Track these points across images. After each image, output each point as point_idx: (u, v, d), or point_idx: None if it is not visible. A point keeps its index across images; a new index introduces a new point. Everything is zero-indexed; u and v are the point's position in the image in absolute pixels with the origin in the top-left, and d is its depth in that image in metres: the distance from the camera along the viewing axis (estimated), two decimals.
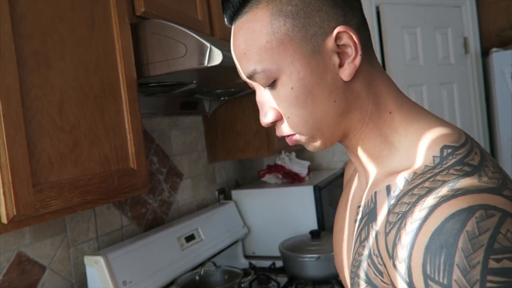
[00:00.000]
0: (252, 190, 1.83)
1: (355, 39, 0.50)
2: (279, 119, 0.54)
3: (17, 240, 0.99)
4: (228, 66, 0.98)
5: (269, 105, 0.54)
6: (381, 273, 0.48)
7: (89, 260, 1.11)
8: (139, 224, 1.37)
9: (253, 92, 1.62)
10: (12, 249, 0.97)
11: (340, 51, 0.50)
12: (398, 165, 0.51)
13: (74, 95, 0.82)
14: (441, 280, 0.38)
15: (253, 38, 0.51)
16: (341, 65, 0.51)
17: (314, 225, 1.68)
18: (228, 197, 1.88)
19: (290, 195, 1.75)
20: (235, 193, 1.83)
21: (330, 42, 0.50)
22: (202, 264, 1.31)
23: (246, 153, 1.72)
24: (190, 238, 1.42)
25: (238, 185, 2.01)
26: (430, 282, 0.39)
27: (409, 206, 0.44)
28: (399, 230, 0.44)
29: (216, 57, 0.93)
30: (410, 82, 2.28)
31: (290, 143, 0.56)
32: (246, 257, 1.78)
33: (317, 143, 0.55)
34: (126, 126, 0.94)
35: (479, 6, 2.49)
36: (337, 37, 0.50)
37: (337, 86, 0.51)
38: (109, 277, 1.08)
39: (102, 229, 1.23)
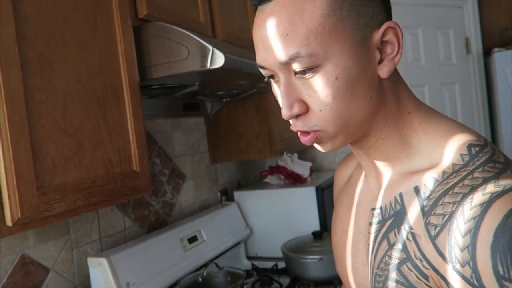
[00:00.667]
0: (255, 191, 1.83)
1: (400, 36, 0.49)
2: (304, 113, 0.50)
3: (21, 242, 0.99)
4: (230, 68, 0.99)
5: (295, 96, 0.49)
6: (426, 277, 0.46)
7: (92, 262, 1.11)
8: (142, 226, 1.38)
9: (254, 94, 1.62)
10: (16, 251, 0.98)
11: (381, 48, 0.50)
12: (419, 165, 0.50)
13: (77, 98, 0.83)
14: None
15: (302, 19, 0.46)
16: (380, 61, 0.50)
17: (316, 226, 1.68)
18: (230, 198, 1.88)
19: (292, 196, 1.75)
20: (237, 194, 1.83)
21: (377, 36, 0.49)
22: (204, 266, 1.31)
23: (248, 154, 1.72)
24: (192, 239, 1.42)
25: (241, 186, 2.01)
26: (505, 283, 0.38)
27: (455, 205, 0.43)
28: (451, 231, 0.42)
29: (218, 60, 0.93)
30: (412, 83, 2.28)
31: (307, 142, 0.51)
32: (249, 258, 1.78)
33: (337, 141, 0.52)
34: (129, 128, 0.94)
35: (481, 6, 2.49)
36: (385, 32, 0.49)
37: (374, 83, 0.50)
38: (113, 278, 1.08)
39: (105, 231, 1.23)
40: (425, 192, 0.48)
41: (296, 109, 0.50)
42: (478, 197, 0.42)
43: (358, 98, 0.49)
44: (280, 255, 1.52)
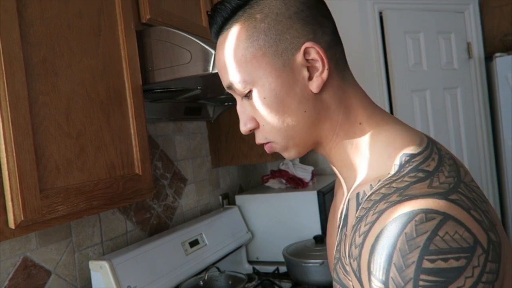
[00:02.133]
0: (256, 195, 1.83)
1: (321, 54, 0.54)
2: (257, 128, 0.59)
3: (23, 245, 0.99)
4: None
5: (247, 115, 0.59)
6: (348, 273, 0.52)
7: (94, 265, 1.12)
8: (143, 229, 1.38)
9: None
10: (18, 254, 0.98)
11: (310, 66, 0.55)
12: (369, 173, 0.53)
13: (81, 102, 0.83)
14: (380, 277, 0.42)
15: (231, 52, 0.56)
16: (310, 78, 0.55)
17: (318, 230, 1.68)
18: (232, 202, 1.88)
19: (293, 200, 1.75)
20: (239, 198, 1.83)
21: (299, 57, 0.54)
22: (206, 269, 1.31)
23: (250, 158, 1.72)
24: (194, 243, 1.42)
25: (242, 190, 2.01)
26: (372, 278, 0.43)
27: (366, 211, 0.48)
28: (355, 232, 0.48)
29: None
30: (414, 87, 2.29)
31: (267, 151, 0.60)
32: (250, 262, 1.78)
33: (291, 151, 0.59)
34: (132, 132, 0.95)
35: (483, 11, 2.49)
36: (306, 52, 0.54)
37: (306, 98, 0.55)
38: (114, 282, 1.08)
39: (107, 234, 1.24)
40: (362, 198, 0.52)
41: (248, 125, 0.59)
42: (381, 205, 0.46)
43: (291, 113, 0.55)
44: (282, 259, 1.51)
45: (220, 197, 1.83)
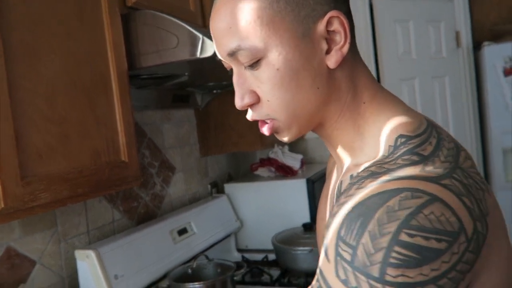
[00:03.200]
0: (245, 183, 1.82)
1: (346, 25, 0.49)
2: (256, 103, 0.52)
3: (6, 235, 0.97)
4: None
5: (247, 87, 0.51)
6: None
7: (80, 254, 1.10)
8: (131, 218, 1.36)
9: None
10: (1, 243, 0.96)
11: (329, 38, 0.49)
12: (365, 155, 0.51)
13: (63, 87, 0.81)
14: (350, 242, 0.39)
15: (242, 12, 0.48)
16: (328, 51, 0.50)
17: (306, 218, 1.68)
18: (220, 191, 1.87)
19: (283, 189, 1.74)
20: (228, 187, 1.82)
21: (321, 26, 0.48)
22: (194, 258, 1.30)
23: (239, 146, 1.71)
24: (182, 231, 1.41)
25: (231, 179, 2.00)
26: (340, 243, 0.40)
27: (351, 185, 0.45)
28: (335, 204, 0.46)
29: (209, 49, 0.92)
30: (403, 76, 2.29)
31: (266, 131, 0.53)
32: (239, 250, 1.78)
33: (293, 131, 0.53)
34: (117, 118, 0.93)
35: (472, 0, 2.50)
36: (329, 22, 0.48)
37: (321, 73, 0.50)
38: (101, 271, 1.07)
39: (93, 223, 1.22)
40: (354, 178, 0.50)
41: (246, 100, 0.52)
42: (367, 182, 0.43)
43: (303, 89, 0.50)
44: (271, 247, 1.51)
45: (209, 186, 1.82)
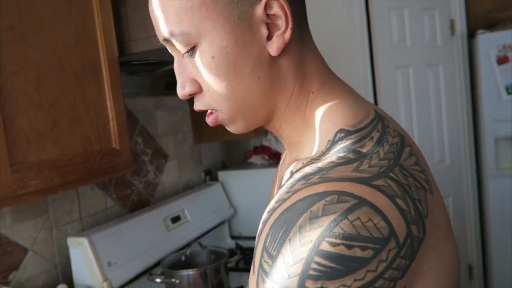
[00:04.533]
0: (239, 171, 1.82)
1: (286, 9, 0.44)
2: (198, 92, 0.48)
3: None
4: None
5: (187, 75, 0.48)
6: None
7: (72, 242, 1.10)
8: (123, 206, 1.36)
9: None
10: None
11: (270, 22, 0.45)
12: (306, 150, 0.48)
13: (52, 72, 0.79)
14: (271, 252, 0.37)
15: None
16: (269, 37, 0.45)
17: None
18: (214, 178, 1.87)
19: None
20: (221, 174, 1.82)
21: (259, 10, 0.44)
22: (188, 245, 1.31)
23: (233, 134, 1.69)
24: (176, 219, 1.41)
25: (225, 167, 2.00)
26: (264, 253, 0.38)
27: (284, 187, 0.42)
28: (266, 209, 0.43)
29: None
30: (397, 64, 2.28)
31: (210, 123, 0.50)
32: (233, 237, 1.79)
33: (238, 124, 0.49)
34: (108, 105, 0.92)
35: None
36: (267, 5, 0.44)
37: (262, 61, 0.46)
38: (94, 258, 1.07)
39: (85, 211, 1.21)
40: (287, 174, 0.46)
41: (187, 89, 0.48)
42: (298, 184, 0.40)
43: (242, 78, 0.46)
44: None
45: (203, 173, 1.82)
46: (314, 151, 0.45)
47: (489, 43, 2.23)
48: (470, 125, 2.45)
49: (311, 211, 0.36)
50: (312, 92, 0.49)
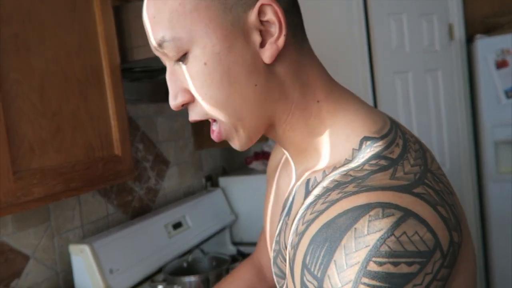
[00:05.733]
0: (240, 177, 1.82)
1: (280, 15, 0.43)
2: (190, 101, 0.47)
3: None
4: None
5: (179, 85, 0.47)
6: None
7: (74, 249, 1.09)
8: (125, 212, 1.36)
9: None
10: None
11: (264, 29, 0.44)
12: (324, 159, 0.46)
13: (55, 80, 0.80)
14: (315, 272, 0.36)
15: (165, 0, 0.44)
16: (262, 45, 0.44)
17: None
18: (215, 185, 1.87)
19: None
20: (222, 180, 1.82)
21: (252, 16, 0.43)
22: (189, 251, 1.31)
23: None
24: (177, 225, 1.41)
25: (225, 173, 2.00)
26: (305, 272, 0.37)
27: (316, 198, 0.41)
28: (299, 219, 0.42)
29: None
30: (396, 69, 2.29)
31: (215, 139, 0.48)
32: (234, 243, 1.78)
33: (241, 136, 0.48)
34: (110, 112, 0.92)
35: None
36: (261, 11, 0.43)
37: (258, 69, 0.45)
38: (95, 265, 1.06)
39: (87, 218, 1.21)
40: (313, 185, 0.45)
41: (180, 99, 0.47)
42: (334, 194, 0.39)
43: (238, 86, 0.44)
44: None
45: (204, 180, 1.82)
46: (336, 159, 0.44)
47: (487, 47, 2.25)
48: (470, 130, 2.46)
49: (355, 228, 0.35)
50: (318, 101, 0.48)
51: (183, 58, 0.45)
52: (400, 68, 2.32)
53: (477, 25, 2.50)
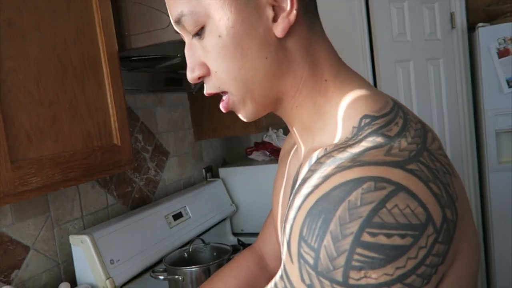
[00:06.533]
0: (240, 167, 1.82)
1: None
2: (206, 75, 0.50)
3: None
4: None
5: (196, 58, 0.49)
6: None
7: (74, 240, 1.09)
8: (125, 203, 1.35)
9: None
10: None
11: (276, 5, 0.46)
12: (326, 137, 0.48)
13: (52, 68, 0.78)
14: (312, 244, 0.38)
15: None
16: (275, 19, 0.46)
17: None
18: (215, 175, 1.86)
19: None
20: (222, 171, 1.82)
21: None
22: (190, 242, 1.30)
23: (233, 130, 1.69)
24: (177, 216, 1.41)
25: (226, 163, 1.99)
26: (302, 244, 0.39)
27: (312, 173, 0.42)
28: (295, 194, 0.43)
29: None
30: (397, 58, 2.27)
31: (223, 109, 0.51)
32: (235, 234, 1.78)
33: (249, 108, 0.50)
34: (109, 101, 0.91)
35: None
36: None
37: (269, 42, 0.47)
38: (96, 256, 1.06)
39: (87, 209, 1.21)
40: (313, 162, 0.46)
41: (197, 72, 0.49)
42: (329, 169, 0.40)
43: (250, 58, 0.47)
44: None
45: (204, 170, 1.81)
46: (337, 137, 0.46)
47: (489, 36, 2.22)
48: (471, 119, 2.44)
49: (349, 201, 0.37)
50: (326, 80, 0.49)
51: (200, 32, 0.47)
52: (402, 57, 2.30)
53: (479, 13, 2.47)
